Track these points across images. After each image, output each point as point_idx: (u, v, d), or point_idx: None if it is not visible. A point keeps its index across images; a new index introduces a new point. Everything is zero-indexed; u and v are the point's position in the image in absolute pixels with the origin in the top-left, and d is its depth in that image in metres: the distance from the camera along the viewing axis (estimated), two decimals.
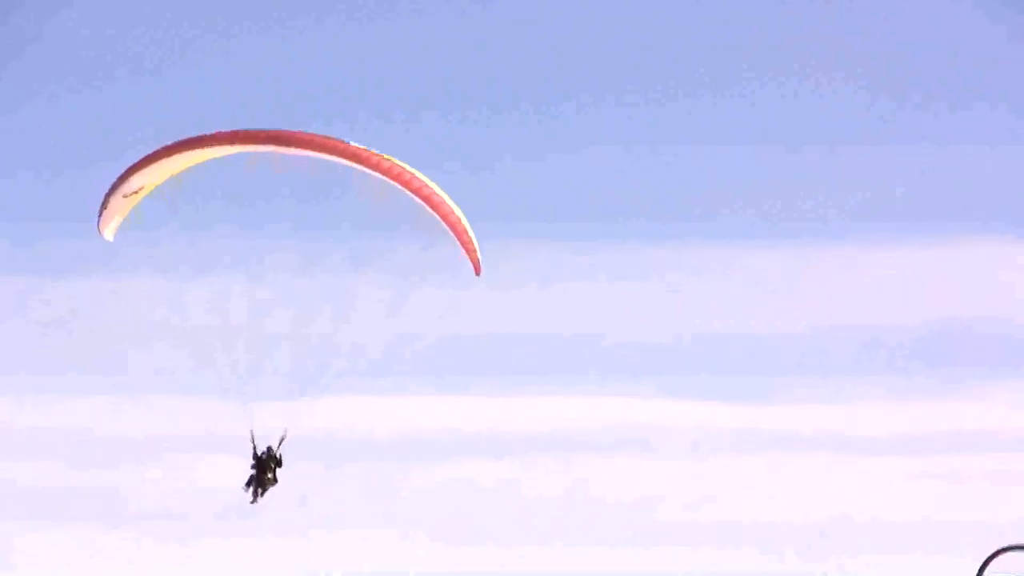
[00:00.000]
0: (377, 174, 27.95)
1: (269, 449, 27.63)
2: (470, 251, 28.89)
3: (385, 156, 27.92)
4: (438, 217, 28.56)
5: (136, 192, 27.89)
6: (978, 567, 20.42)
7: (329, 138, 27.79)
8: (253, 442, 27.56)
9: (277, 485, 27.74)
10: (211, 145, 27.42)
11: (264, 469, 27.62)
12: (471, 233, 29.03)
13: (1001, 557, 20.12)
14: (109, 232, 28.44)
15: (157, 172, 27.73)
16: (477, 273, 29.25)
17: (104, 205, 28.11)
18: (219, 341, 27.52)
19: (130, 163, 27.75)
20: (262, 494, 27.70)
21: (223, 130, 27.24)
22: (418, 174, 28.23)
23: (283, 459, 27.72)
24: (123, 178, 27.80)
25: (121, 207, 28.07)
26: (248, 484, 27.65)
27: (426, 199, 28.29)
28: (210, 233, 28.31)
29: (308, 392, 27.64)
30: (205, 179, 28.10)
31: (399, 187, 28.13)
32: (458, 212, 28.74)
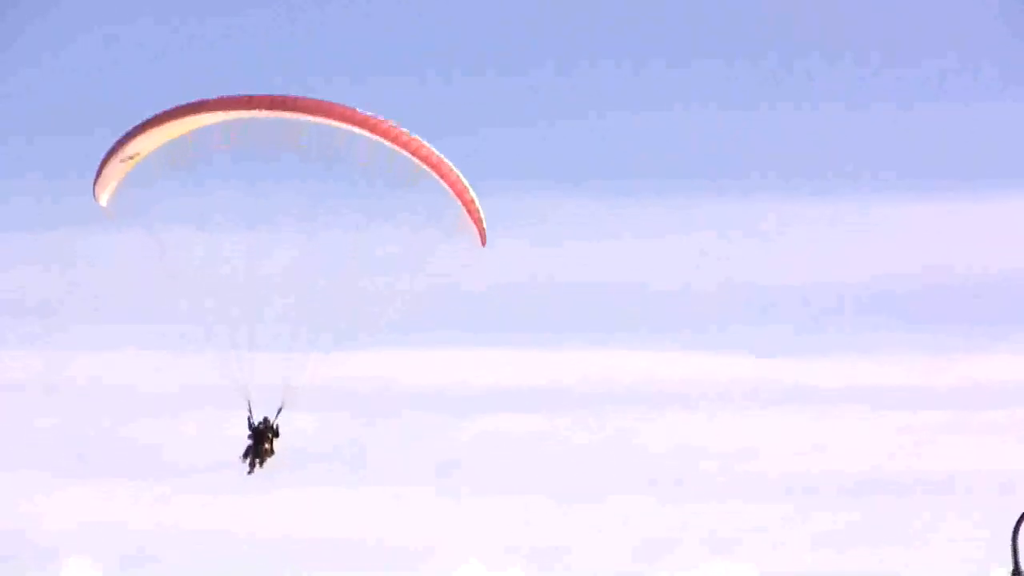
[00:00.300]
0: (384, 141, 27.72)
1: (266, 420, 27.45)
2: (477, 221, 28.72)
3: (391, 123, 27.72)
4: (447, 186, 28.43)
5: (133, 157, 27.71)
6: (1013, 525, 19.80)
7: (336, 104, 27.56)
8: (249, 412, 27.42)
9: (275, 457, 27.57)
10: (213, 110, 27.20)
11: (261, 440, 27.42)
12: (478, 204, 28.77)
13: None
14: (104, 197, 28.22)
15: (156, 137, 27.53)
16: (483, 244, 29.12)
17: (100, 170, 27.90)
18: (228, 295, 27.49)
19: (128, 128, 27.54)
20: (260, 465, 27.52)
21: (223, 95, 27.09)
22: (426, 144, 28.05)
23: (280, 429, 27.52)
24: (121, 143, 27.63)
25: (117, 172, 27.85)
26: (245, 455, 27.49)
27: (435, 167, 28.18)
28: (223, 189, 28.12)
29: (320, 345, 27.57)
30: (210, 140, 27.68)
31: (407, 155, 27.95)
32: (465, 182, 28.57)
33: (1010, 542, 19.71)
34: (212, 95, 27.32)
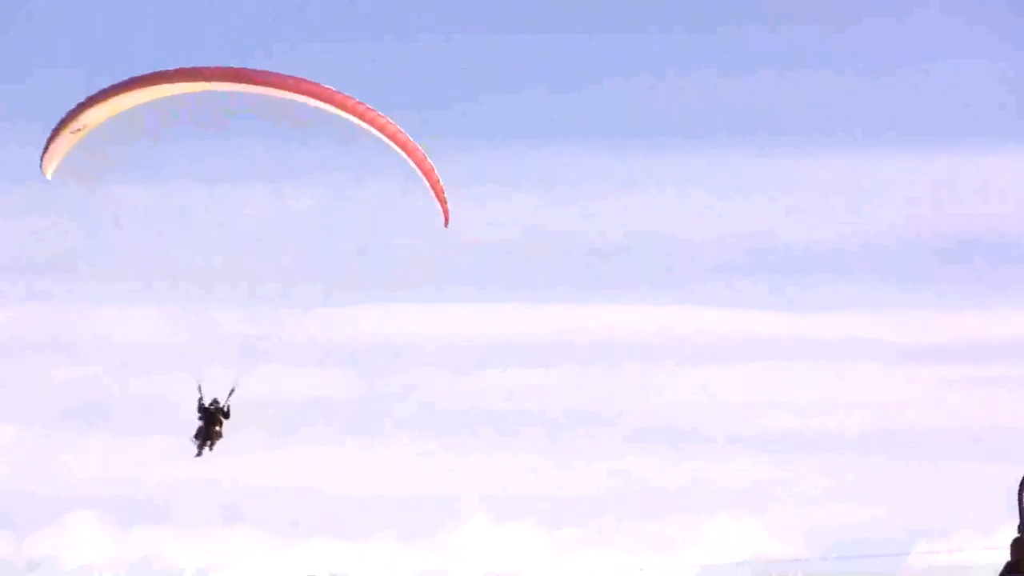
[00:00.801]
0: (351, 118, 27.36)
1: (215, 401, 27.13)
2: (442, 201, 28.44)
3: (359, 101, 27.34)
4: (413, 164, 28.10)
5: (81, 129, 27.32)
6: (1020, 480, 19.60)
7: (303, 80, 27.08)
8: (200, 392, 27.12)
9: (222, 440, 27.21)
10: (168, 81, 26.72)
11: (212, 421, 27.12)
12: (442, 184, 28.52)
13: None
14: (50, 170, 27.78)
15: (107, 109, 27.13)
16: (446, 225, 28.77)
17: (49, 142, 27.44)
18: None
19: (79, 100, 27.04)
20: (210, 447, 27.19)
21: (178, 67, 26.58)
22: (392, 121, 27.68)
23: (231, 411, 27.19)
24: (73, 114, 27.22)
25: (65, 144, 27.50)
26: (196, 435, 27.15)
27: (402, 145, 27.84)
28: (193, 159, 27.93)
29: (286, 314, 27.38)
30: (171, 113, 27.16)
31: (375, 133, 27.58)
32: (431, 163, 28.27)
33: (1016, 497, 19.52)
34: (167, 66, 26.84)
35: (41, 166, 27.59)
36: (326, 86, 27.16)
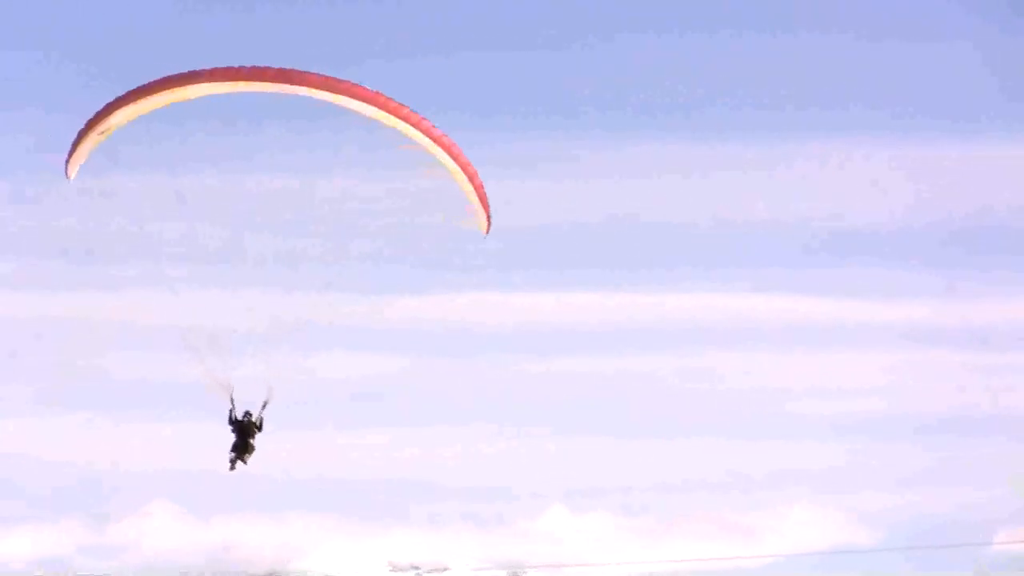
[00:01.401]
0: (390, 118, 27.34)
1: (247, 414, 27.06)
2: (486, 207, 28.53)
3: (400, 104, 27.35)
4: (459, 168, 28.15)
5: (107, 131, 27.29)
6: None
7: (342, 81, 27.08)
8: (232, 404, 27.10)
9: (254, 454, 27.17)
10: (203, 81, 26.68)
11: (245, 434, 27.03)
12: (485, 189, 28.55)
13: None
14: (74, 170, 27.74)
15: (135, 110, 27.05)
16: (486, 232, 28.75)
17: (75, 144, 27.43)
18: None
19: (108, 100, 26.98)
20: (244, 461, 27.16)
21: (206, 67, 26.51)
22: (437, 128, 27.73)
23: (263, 424, 27.19)
24: (100, 116, 27.10)
25: (90, 145, 27.47)
26: (233, 449, 27.13)
27: (447, 149, 27.86)
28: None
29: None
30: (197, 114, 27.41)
31: (419, 134, 27.67)
32: (474, 168, 28.34)
33: None
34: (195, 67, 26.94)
35: (66, 169, 27.57)
36: (366, 87, 27.23)
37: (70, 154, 27.64)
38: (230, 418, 26.81)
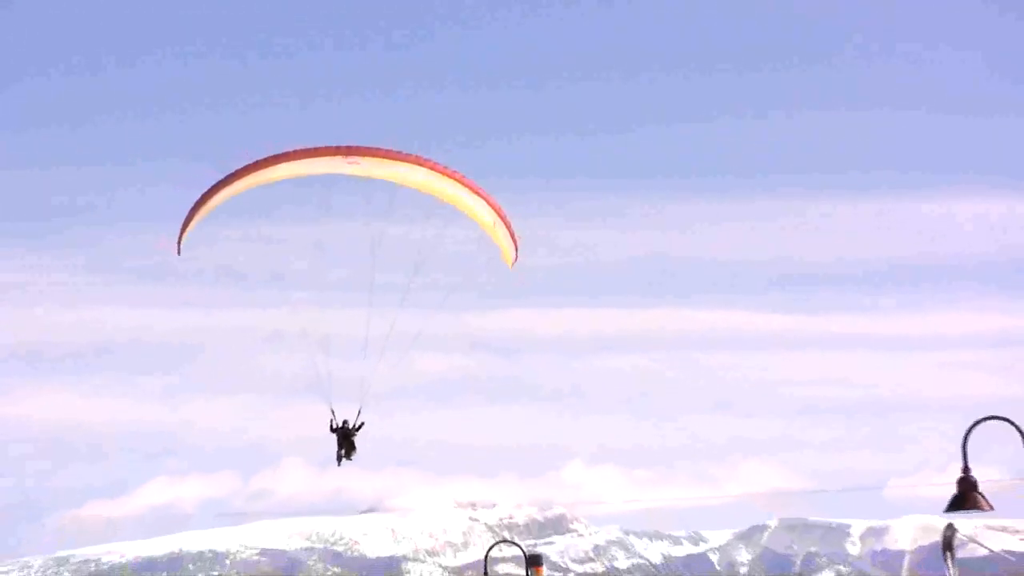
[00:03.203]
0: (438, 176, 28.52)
1: (345, 423, 29.72)
2: (515, 240, 30.05)
3: (443, 166, 28.67)
4: (492, 209, 29.40)
5: (209, 208, 28.13)
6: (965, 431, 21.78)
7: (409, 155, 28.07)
8: (332, 415, 29.62)
9: (356, 453, 29.84)
10: (299, 159, 27.55)
11: (346, 437, 29.64)
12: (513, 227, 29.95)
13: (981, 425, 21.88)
14: (182, 247, 28.67)
15: (236, 188, 28.01)
16: (513, 265, 30.11)
17: (183, 227, 28.28)
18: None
19: (214, 181, 27.98)
20: (348, 458, 29.84)
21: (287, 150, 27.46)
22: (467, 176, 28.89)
23: (359, 427, 29.71)
24: (205, 198, 28.04)
25: (192, 227, 28.35)
26: (339, 448, 29.74)
27: (478, 193, 29.24)
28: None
29: None
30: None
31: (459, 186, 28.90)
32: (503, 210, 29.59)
33: (962, 444, 21.88)
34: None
35: (177, 248, 28.59)
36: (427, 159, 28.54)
37: (179, 236, 28.45)
38: (331, 427, 29.65)
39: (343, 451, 29.72)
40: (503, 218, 29.38)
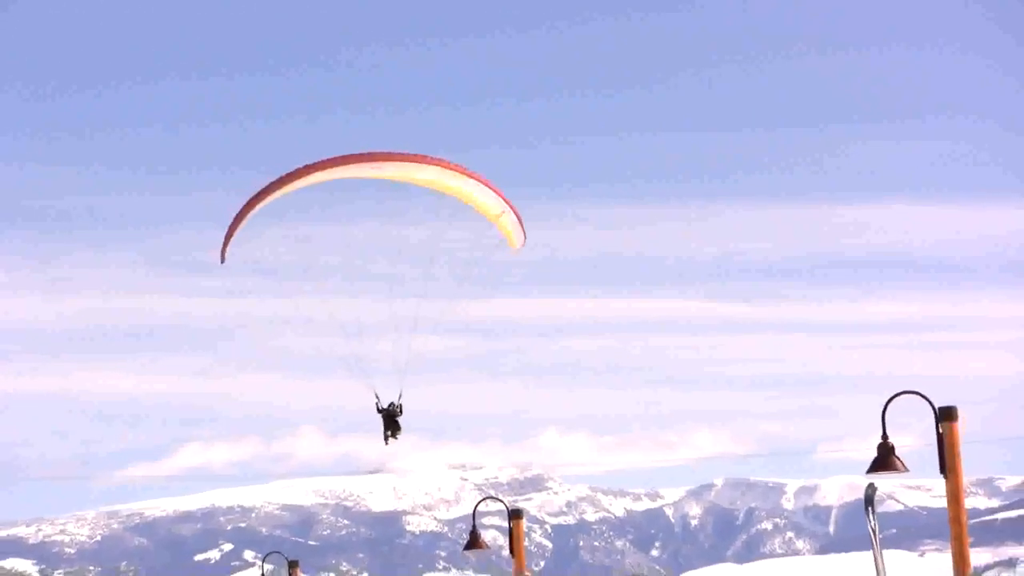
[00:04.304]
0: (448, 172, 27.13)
1: (391, 404, 28.54)
2: (521, 222, 28.72)
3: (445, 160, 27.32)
4: (497, 195, 27.91)
5: (251, 215, 26.73)
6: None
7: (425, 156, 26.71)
8: (377, 398, 28.46)
9: (400, 432, 28.70)
10: (328, 168, 26.29)
11: (391, 417, 28.45)
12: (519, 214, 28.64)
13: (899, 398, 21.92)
14: (225, 256, 27.34)
15: (277, 194, 26.69)
16: (518, 247, 28.91)
17: (227, 236, 27.00)
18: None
19: (260, 187, 26.62)
20: (395, 437, 28.62)
21: (332, 156, 26.30)
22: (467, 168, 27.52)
23: (403, 409, 28.54)
24: (253, 202, 26.61)
25: (234, 235, 26.98)
26: (386, 429, 28.58)
27: (486, 184, 27.78)
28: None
29: None
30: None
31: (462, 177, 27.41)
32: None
33: (881, 413, 22.00)
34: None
35: (222, 256, 27.15)
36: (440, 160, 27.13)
37: (223, 246, 27.08)
38: (377, 408, 28.44)
39: (389, 431, 28.68)
40: (510, 206, 28.10)
